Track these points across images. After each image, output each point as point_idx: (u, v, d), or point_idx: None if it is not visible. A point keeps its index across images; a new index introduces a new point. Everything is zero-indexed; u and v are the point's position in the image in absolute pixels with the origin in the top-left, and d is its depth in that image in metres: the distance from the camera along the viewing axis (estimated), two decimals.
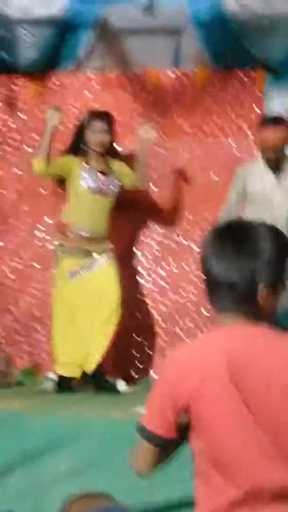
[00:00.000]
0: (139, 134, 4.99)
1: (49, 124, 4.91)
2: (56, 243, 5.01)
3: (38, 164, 4.89)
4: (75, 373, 4.89)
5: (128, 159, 5.12)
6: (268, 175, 4.76)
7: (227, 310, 1.94)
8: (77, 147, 4.99)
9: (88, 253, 4.91)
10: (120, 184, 5.00)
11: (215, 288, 1.95)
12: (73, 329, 4.86)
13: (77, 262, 4.90)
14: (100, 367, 4.88)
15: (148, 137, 4.98)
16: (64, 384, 4.91)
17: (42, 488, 3.68)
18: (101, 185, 4.93)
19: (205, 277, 1.98)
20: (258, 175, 4.76)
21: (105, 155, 5.00)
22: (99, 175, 4.94)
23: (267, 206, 4.67)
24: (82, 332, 4.84)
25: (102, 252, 4.92)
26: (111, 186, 4.96)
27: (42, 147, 4.91)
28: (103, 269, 4.91)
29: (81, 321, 4.84)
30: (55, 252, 5.01)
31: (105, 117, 4.97)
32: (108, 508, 1.02)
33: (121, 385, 4.97)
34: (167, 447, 1.95)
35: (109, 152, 5.03)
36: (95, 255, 4.92)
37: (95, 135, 4.92)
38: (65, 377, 4.92)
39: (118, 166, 5.04)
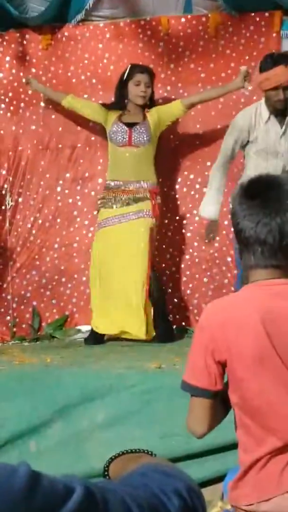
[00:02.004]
0: (236, 80, 4.87)
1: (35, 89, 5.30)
2: (99, 196, 5.05)
3: (67, 101, 5.15)
4: (111, 330, 4.92)
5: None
6: (272, 124, 4.42)
7: (258, 265, 1.97)
8: (118, 100, 4.98)
9: (123, 204, 4.89)
10: (162, 127, 4.97)
11: (245, 244, 1.98)
12: (105, 286, 4.86)
13: (110, 213, 4.91)
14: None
15: (240, 86, 4.85)
16: (95, 337, 4.96)
17: (81, 438, 3.78)
18: (127, 137, 4.89)
19: (235, 233, 2.01)
20: (261, 123, 4.40)
21: (142, 107, 4.97)
22: (128, 127, 4.90)
23: (270, 158, 4.40)
24: (114, 291, 4.82)
25: (137, 206, 4.87)
26: (140, 138, 4.90)
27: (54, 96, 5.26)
28: (133, 225, 4.85)
29: (112, 279, 4.83)
30: (96, 205, 5.06)
31: (147, 70, 4.95)
32: (151, 465, 1.05)
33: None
34: (217, 402, 1.99)
35: (146, 104, 4.99)
36: (128, 207, 4.88)
37: (138, 88, 4.90)
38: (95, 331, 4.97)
39: (155, 112, 4.98)
